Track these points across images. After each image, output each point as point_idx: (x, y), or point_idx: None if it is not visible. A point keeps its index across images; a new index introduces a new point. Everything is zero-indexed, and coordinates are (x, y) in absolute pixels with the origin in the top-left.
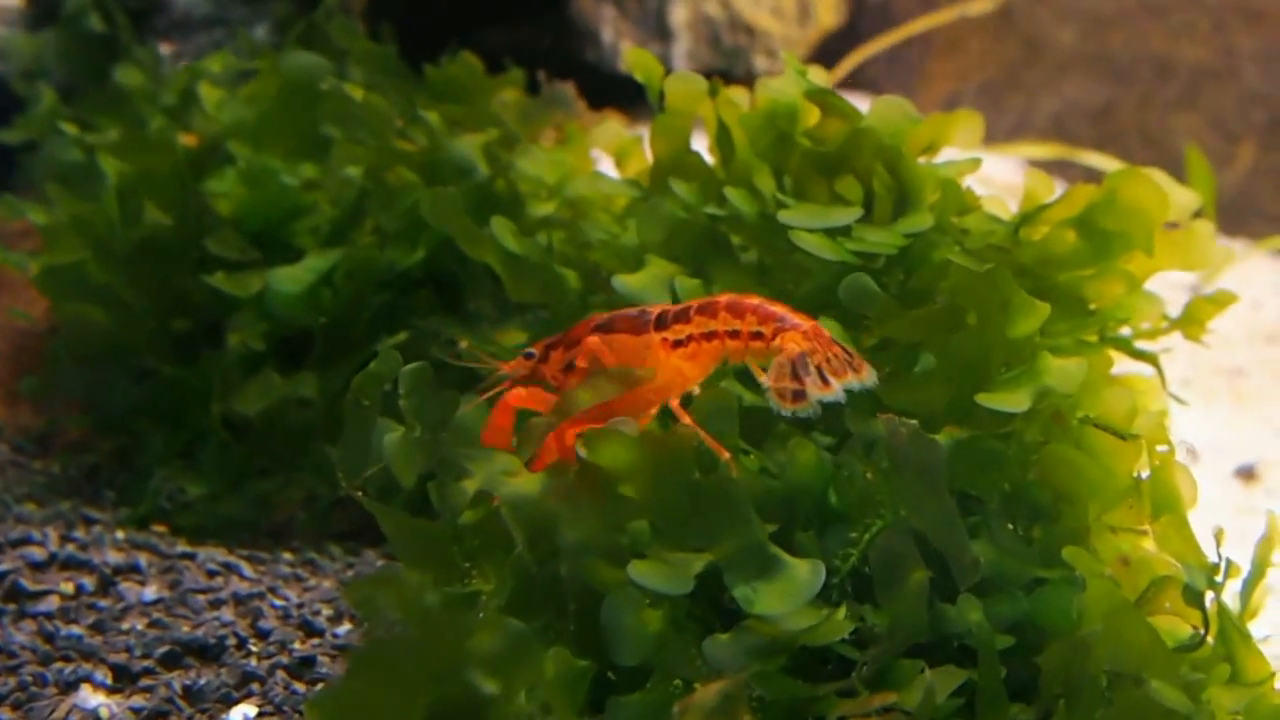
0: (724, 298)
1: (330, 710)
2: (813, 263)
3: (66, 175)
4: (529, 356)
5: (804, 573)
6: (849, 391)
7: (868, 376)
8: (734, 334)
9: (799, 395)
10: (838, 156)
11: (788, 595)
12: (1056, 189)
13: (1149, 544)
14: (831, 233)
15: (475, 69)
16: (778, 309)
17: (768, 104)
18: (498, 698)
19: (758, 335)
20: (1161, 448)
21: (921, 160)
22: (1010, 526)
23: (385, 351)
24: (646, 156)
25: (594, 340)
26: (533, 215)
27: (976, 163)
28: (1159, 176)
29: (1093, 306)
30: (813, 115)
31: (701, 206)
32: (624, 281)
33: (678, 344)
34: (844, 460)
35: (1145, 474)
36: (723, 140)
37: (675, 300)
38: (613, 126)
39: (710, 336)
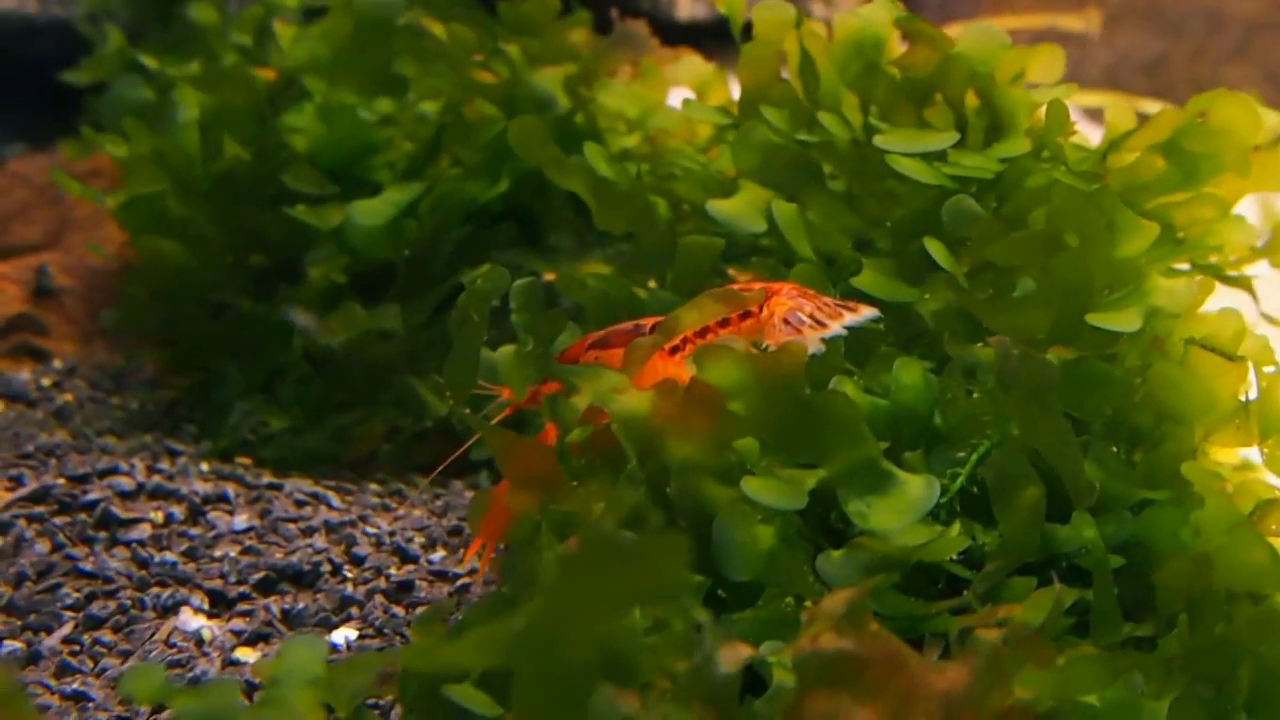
0: (702, 296)
1: (538, 617)
2: (904, 189)
3: (137, 115)
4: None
5: (917, 488)
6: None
7: (864, 313)
8: (724, 323)
9: None
10: (928, 84)
11: (901, 510)
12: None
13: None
14: (927, 157)
15: (549, 4)
16: (757, 285)
17: (855, 32)
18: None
19: (746, 315)
20: (1269, 369)
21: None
22: (1114, 450)
23: (493, 268)
24: (728, 91)
25: (590, 357)
26: (613, 148)
27: (1072, 88)
28: (1248, 97)
29: (1180, 235)
30: (894, 48)
31: (793, 134)
32: (718, 207)
33: (674, 350)
34: (946, 383)
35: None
36: (806, 71)
37: (771, 225)
38: (693, 60)
39: (703, 333)
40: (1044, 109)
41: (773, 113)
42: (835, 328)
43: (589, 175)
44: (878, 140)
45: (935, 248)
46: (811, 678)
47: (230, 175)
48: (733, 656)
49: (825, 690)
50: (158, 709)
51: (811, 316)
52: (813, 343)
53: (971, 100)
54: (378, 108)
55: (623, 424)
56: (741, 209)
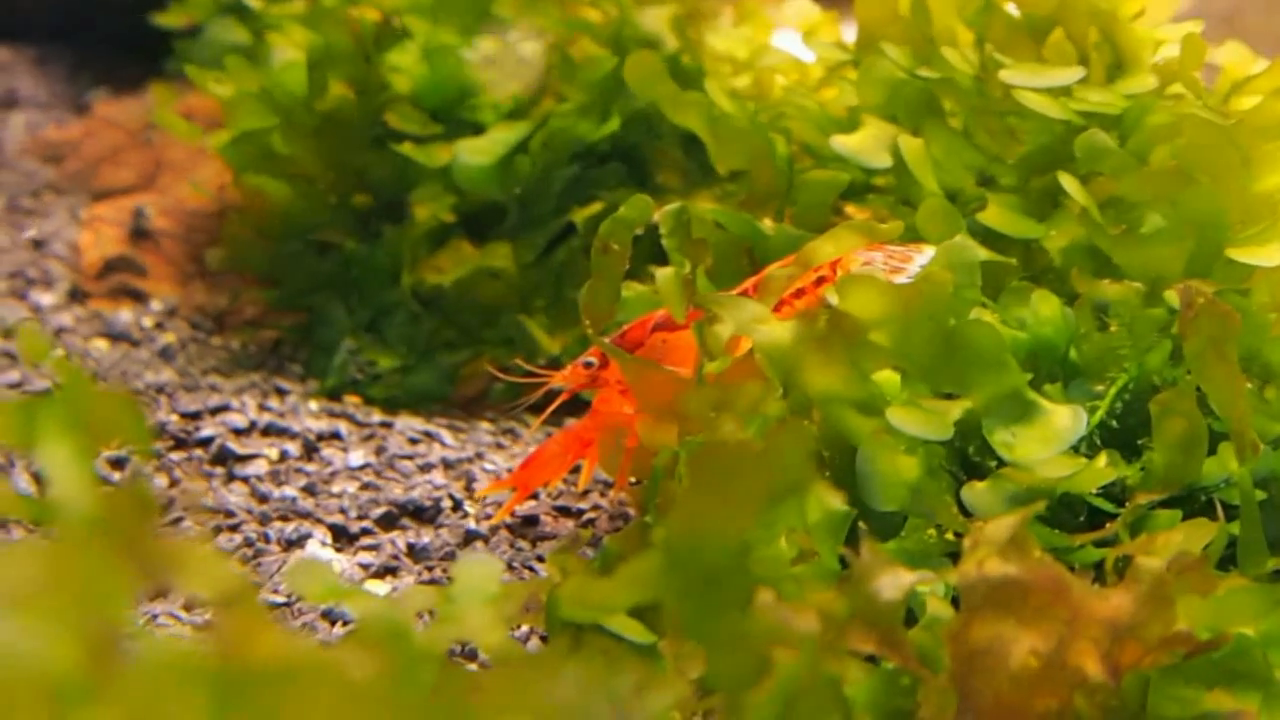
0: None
1: (677, 529)
2: (1025, 125)
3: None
4: (589, 365)
5: (1064, 419)
6: None
7: (926, 251)
8: (799, 293)
9: None
10: (1049, 20)
11: (1048, 441)
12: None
13: None
14: (1053, 92)
15: None
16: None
17: None
18: (757, 542)
19: (820, 280)
20: None
21: None
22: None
23: (635, 197)
24: (839, 33)
25: (658, 339)
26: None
27: (1198, 22)
28: None
29: None
30: None
31: (915, 69)
32: (842, 142)
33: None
34: (1079, 318)
35: None
36: (918, 9)
37: (898, 162)
38: (801, 2)
39: (777, 308)
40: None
41: (894, 48)
42: (911, 270)
43: (706, 111)
44: (1003, 75)
45: (1069, 182)
46: (977, 603)
47: (335, 114)
48: (895, 582)
49: (990, 616)
50: None
51: (886, 264)
52: None
53: (1096, 37)
54: (480, 47)
55: (766, 354)
56: (865, 144)
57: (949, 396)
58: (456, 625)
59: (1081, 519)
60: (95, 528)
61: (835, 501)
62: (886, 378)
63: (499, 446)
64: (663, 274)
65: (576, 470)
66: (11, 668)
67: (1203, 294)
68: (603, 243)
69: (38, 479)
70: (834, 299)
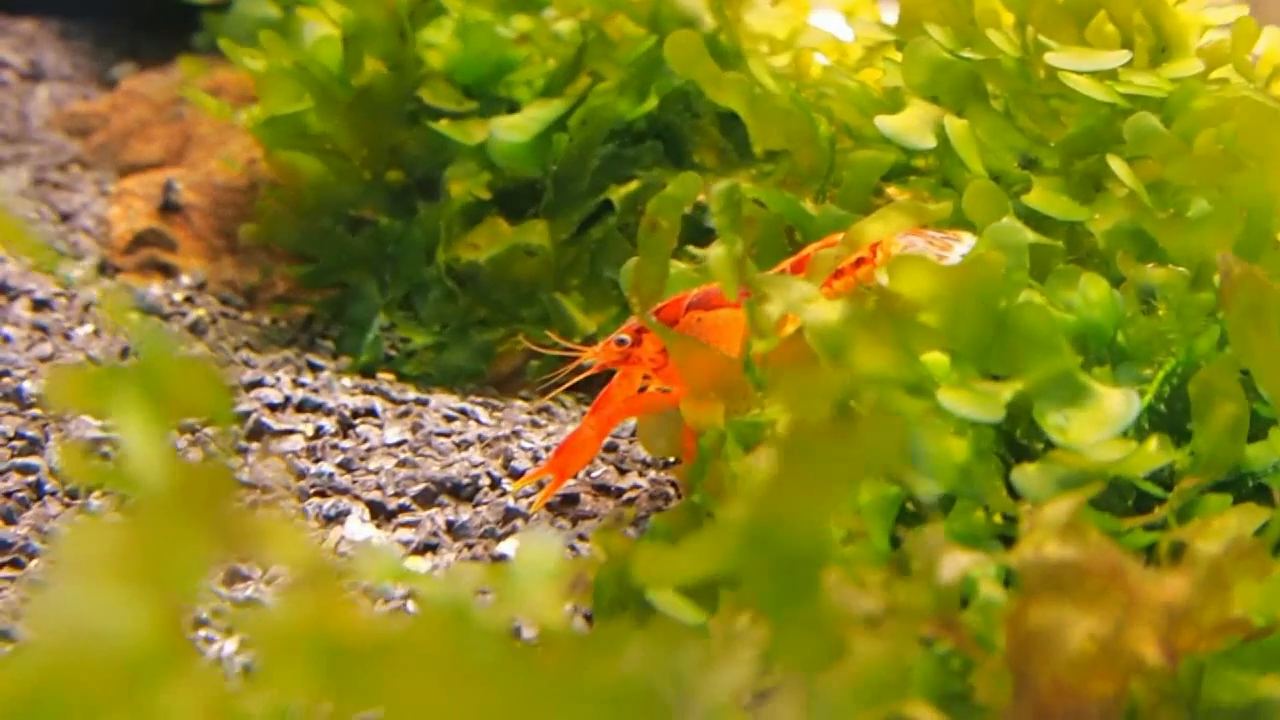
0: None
1: (759, 510)
2: (1070, 110)
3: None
4: (621, 343)
5: (1116, 402)
6: None
7: (967, 240)
8: (838, 274)
9: None
10: (1092, 4)
11: (1100, 424)
12: None
13: None
14: (1099, 75)
15: None
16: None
17: None
18: None
19: (860, 261)
20: None
21: None
22: None
23: (684, 175)
24: (878, 14)
25: (692, 318)
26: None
27: (1243, 4)
28: None
29: None
30: None
31: (958, 50)
32: (886, 122)
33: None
34: (1125, 301)
35: None
36: None
37: (942, 142)
38: None
39: (838, 274)
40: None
41: (938, 28)
42: (952, 257)
43: (746, 91)
44: (1049, 57)
45: (1118, 165)
46: (1035, 586)
47: (369, 90)
48: (954, 564)
49: (1048, 599)
50: None
51: (928, 250)
52: None
53: (1140, 20)
54: (515, 25)
55: (815, 334)
56: (909, 124)
57: (997, 379)
58: (517, 602)
59: (1129, 503)
60: (175, 500)
61: (885, 484)
62: (934, 359)
63: (535, 425)
64: (715, 252)
65: (611, 450)
66: (91, 641)
67: (1240, 263)
68: (651, 220)
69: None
70: (884, 279)
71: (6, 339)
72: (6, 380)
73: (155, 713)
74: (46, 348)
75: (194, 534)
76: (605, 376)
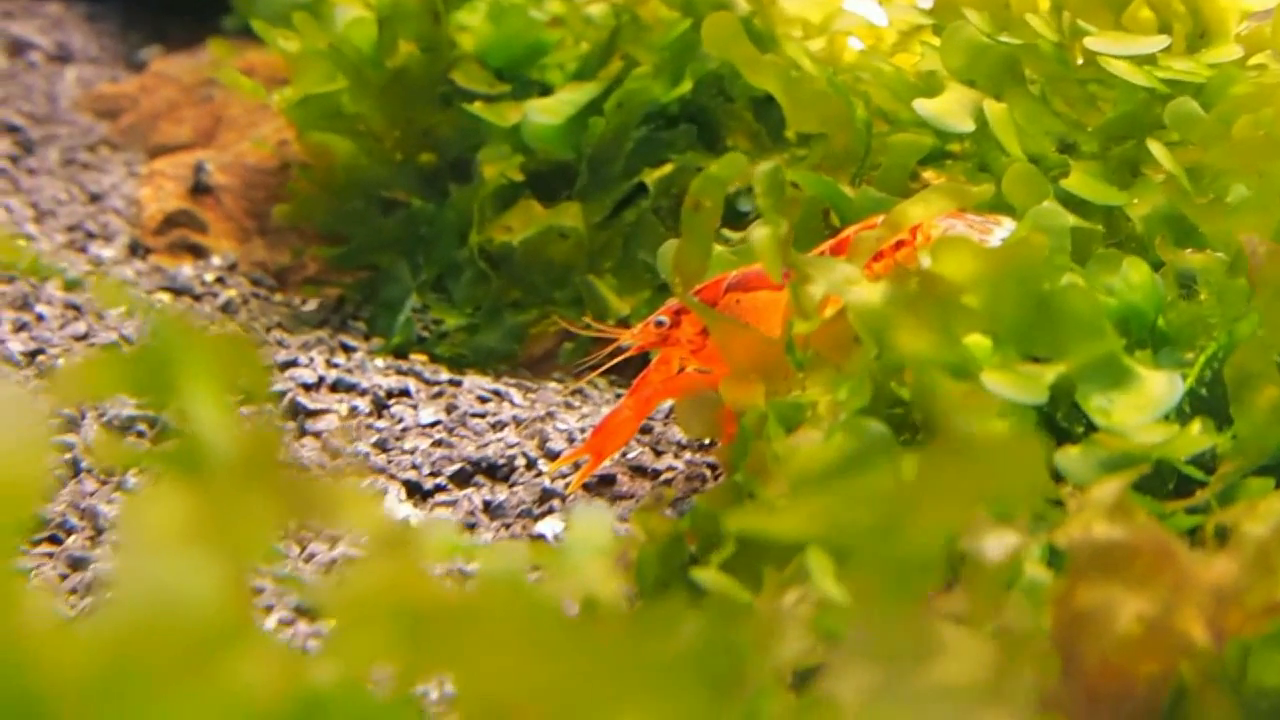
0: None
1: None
2: (1109, 95)
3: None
4: (659, 324)
5: (1160, 384)
6: None
7: (1006, 224)
8: (877, 256)
9: None
10: None
11: (1144, 407)
12: None
13: None
14: (1137, 60)
15: None
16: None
17: None
18: None
19: (899, 244)
20: None
21: None
22: None
23: (729, 156)
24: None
25: (731, 299)
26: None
27: None
28: None
29: None
30: None
31: (996, 34)
32: (925, 105)
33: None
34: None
35: None
36: None
37: (978, 127)
38: None
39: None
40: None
41: (976, 13)
42: (993, 241)
43: (783, 73)
44: (1089, 42)
45: (1159, 149)
46: (1083, 566)
47: (403, 72)
48: (1001, 544)
49: (1097, 579)
50: None
51: (968, 233)
52: None
53: (1178, 7)
54: (548, 8)
55: (858, 315)
56: (948, 108)
57: (1038, 361)
58: (573, 577)
59: (1170, 487)
60: (242, 468)
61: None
62: (976, 342)
63: (569, 406)
64: (760, 233)
65: (647, 431)
66: (163, 607)
67: (1268, 244)
68: (694, 200)
69: (110, 429)
70: (926, 261)
71: (41, 318)
72: (41, 358)
73: (228, 680)
74: (80, 326)
75: (262, 502)
76: (640, 359)
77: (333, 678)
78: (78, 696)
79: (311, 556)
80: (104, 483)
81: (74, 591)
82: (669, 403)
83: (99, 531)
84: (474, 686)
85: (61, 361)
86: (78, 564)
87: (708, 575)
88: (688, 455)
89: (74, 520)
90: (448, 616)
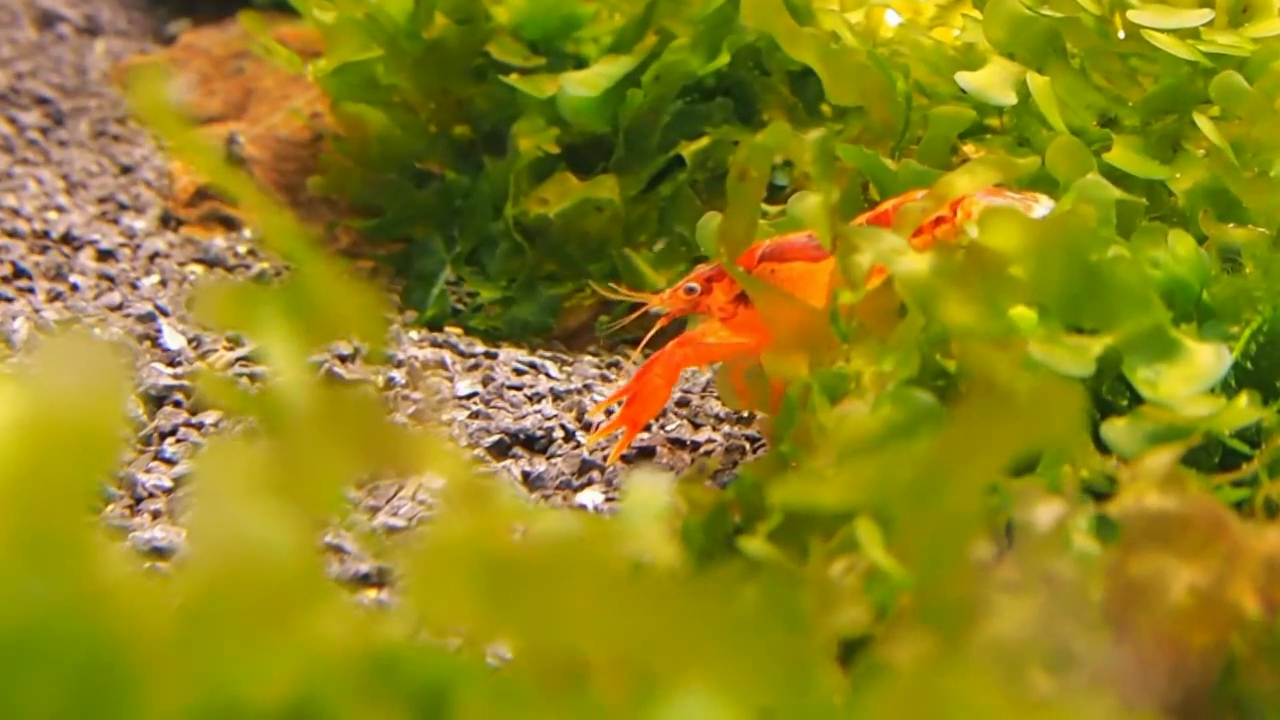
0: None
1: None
2: (1151, 69)
3: None
4: (690, 290)
5: (1207, 357)
6: None
7: (1045, 202)
8: (917, 231)
9: None
10: None
11: (1191, 379)
12: None
13: None
14: (1181, 34)
15: None
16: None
17: None
18: None
19: (939, 220)
20: None
21: None
22: None
23: (775, 124)
24: None
25: (766, 269)
26: (828, 26)
27: None
28: None
29: None
30: None
31: (1038, 7)
32: (967, 78)
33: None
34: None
35: None
36: None
37: (1020, 100)
38: None
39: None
40: None
41: None
42: (1035, 212)
43: (822, 45)
44: (1132, 15)
45: (1205, 123)
46: (1136, 536)
47: (438, 44)
48: (1050, 513)
49: (1150, 549)
50: None
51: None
52: None
53: None
54: None
55: (905, 285)
56: (991, 81)
57: (1083, 333)
58: (631, 541)
59: (1216, 460)
60: (322, 418)
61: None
62: (1021, 314)
63: (605, 379)
64: (809, 201)
65: (684, 404)
66: (240, 557)
67: None
68: (741, 169)
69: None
70: (973, 232)
71: (75, 287)
72: (77, 327)
73: (307, 634)
74: (115, 296)
75: (340, 453)
76: (675, 328)
77: (407, 632)
78: (159, 648)
79: (353, 525)
80: (142, 452)
81: None
82: (705, 376)
83: (137, 500)
84: (549, 641)
85: (98, 331)
86: (116, 534)
87: (756, 544)
88: (726, 428)
89: (112, 489)
90: (528, 570)
